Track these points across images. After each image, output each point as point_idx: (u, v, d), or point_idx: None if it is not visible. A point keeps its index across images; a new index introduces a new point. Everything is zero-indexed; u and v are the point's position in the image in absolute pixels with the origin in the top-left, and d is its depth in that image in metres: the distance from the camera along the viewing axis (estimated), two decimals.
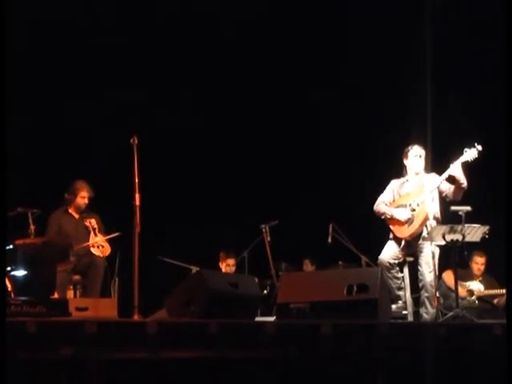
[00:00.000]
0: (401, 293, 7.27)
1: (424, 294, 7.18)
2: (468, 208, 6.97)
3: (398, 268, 7.30)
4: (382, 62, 10.05)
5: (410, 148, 7.43)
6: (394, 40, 9.82)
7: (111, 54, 9.91)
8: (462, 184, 7.14)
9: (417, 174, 7.41)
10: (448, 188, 7.25)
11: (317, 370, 5.53)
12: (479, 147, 7.13)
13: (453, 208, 7.11)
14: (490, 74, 9.44)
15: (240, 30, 10.14)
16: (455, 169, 7.11)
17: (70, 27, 9.77)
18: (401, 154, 7.50)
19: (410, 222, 7.24)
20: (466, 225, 6.87)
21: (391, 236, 7.37)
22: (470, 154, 7.12)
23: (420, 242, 7.21)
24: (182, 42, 10.20)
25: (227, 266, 9.60)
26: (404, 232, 7.28)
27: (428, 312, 7.12)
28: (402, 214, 7.27)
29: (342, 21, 10.21)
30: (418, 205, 7.23)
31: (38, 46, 9.66)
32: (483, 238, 7.02)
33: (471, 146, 7.16)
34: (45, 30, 9.61)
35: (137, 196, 6.95)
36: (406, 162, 7.46)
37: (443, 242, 7.10)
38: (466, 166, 7.17)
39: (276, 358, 5.48)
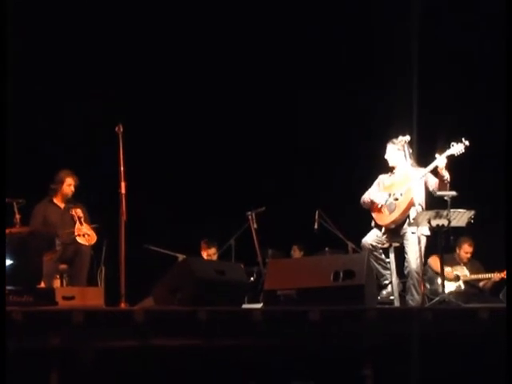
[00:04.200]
0: (387, 272, 7.32)
1: (410, 282, 7.21)
2: (453, 193, 6.98)
3: (381, 250, 7.34)
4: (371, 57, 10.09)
5: (388, 144, 7.46)
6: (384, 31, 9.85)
7: (99, 44, 9.88)
8: (444, 177, 7.16)
9: (395, 168, 7.44)
10: (435, 182, 7.26)
11: (304, 356, 5.54)
12: (466, 142, 7.11)
13: (438, 193, 7.14)
14: (476, 69, 9.52)
15: (224, 19, 10.16)
16: (440, 162, 7.12)
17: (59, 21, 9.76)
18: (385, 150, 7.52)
19: (391, 209, 7.27)
20: (452, 210, 6.89)
21: (373, 224, 7.42)
22: (457, 148, 7.11)
23: (405, 228, 7.24)
24: (167, 32, 10.17)
25: (208, 255, 9.58)
26: (385, 219, 7.32)
27: (414, 299, 7.15)
28: (379, 198, 7.33)
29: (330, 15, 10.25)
30: (401, 194, 7.25)
31: (32, 40, 9.63)
32: (469, 223, 7.04)
33: (458, 140, 7.17)
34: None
35: (122, 184, 6.94)
36: (385, 156, 7.49)
37: (428, 233, 7.16)
38: (452, 160, 7.17)
39: (263, 344, 5.49)
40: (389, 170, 7.57)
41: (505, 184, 5.67)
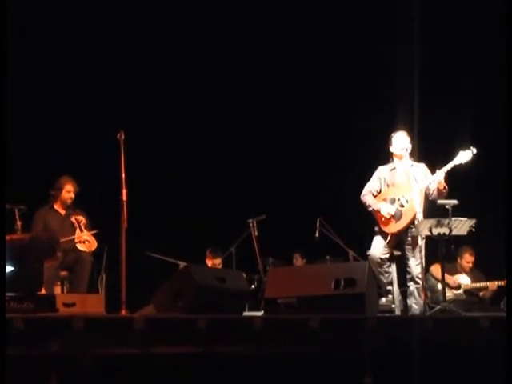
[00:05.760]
0: (391, 287, 7.28)
1: (413, 286, 7.18)
2: (455, 201, 6.97)
3: (388, 263, 7.28)
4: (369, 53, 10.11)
5: (393, 134, 7.43)
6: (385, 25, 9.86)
7: (101, 51, 9.89)
8: (443, 191, 7.15)
9: (400, 159, 7.37)
10: (434, 189, 7.24)
11: (305, 364, 5.53)
12: (474, 150, 7.08)
13: (440, 201, 7.12)
14: (479, 68, 9.51)
15: (225, 24, 10.17)
16: (444, 171, 7.09)
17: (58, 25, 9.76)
18: (387, 140, 7.50)
19: (397, 217, 7.22)
20: (453, 218, 6.87)
21: (376, 229, 7.37)
22: (464, 156, 7.09)
23: (408, 236, 7.21)
24: (168, 34, 10.18)
25: (213, 265, 9.57)
26: (391, 228, 7.26)
27: (417, 302, 7.12)
28: (386, 210, 7.26)
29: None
30: (407, 201, 7.20)
31: (34, 46, 9.63)
32: (470, 232, 7.03)
33: (466, 148, 7.12)
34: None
35: (124, 191, 6.93)
36: (390, 148, 7.46)
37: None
38: (454, 167, 7.14)
39: (264, 352, 5.48)
40: (387, 161, 7.53)
41: (505, 192, 5.67)
